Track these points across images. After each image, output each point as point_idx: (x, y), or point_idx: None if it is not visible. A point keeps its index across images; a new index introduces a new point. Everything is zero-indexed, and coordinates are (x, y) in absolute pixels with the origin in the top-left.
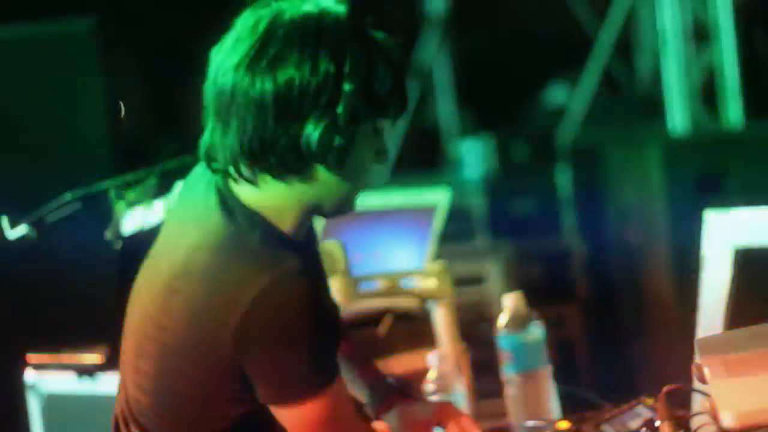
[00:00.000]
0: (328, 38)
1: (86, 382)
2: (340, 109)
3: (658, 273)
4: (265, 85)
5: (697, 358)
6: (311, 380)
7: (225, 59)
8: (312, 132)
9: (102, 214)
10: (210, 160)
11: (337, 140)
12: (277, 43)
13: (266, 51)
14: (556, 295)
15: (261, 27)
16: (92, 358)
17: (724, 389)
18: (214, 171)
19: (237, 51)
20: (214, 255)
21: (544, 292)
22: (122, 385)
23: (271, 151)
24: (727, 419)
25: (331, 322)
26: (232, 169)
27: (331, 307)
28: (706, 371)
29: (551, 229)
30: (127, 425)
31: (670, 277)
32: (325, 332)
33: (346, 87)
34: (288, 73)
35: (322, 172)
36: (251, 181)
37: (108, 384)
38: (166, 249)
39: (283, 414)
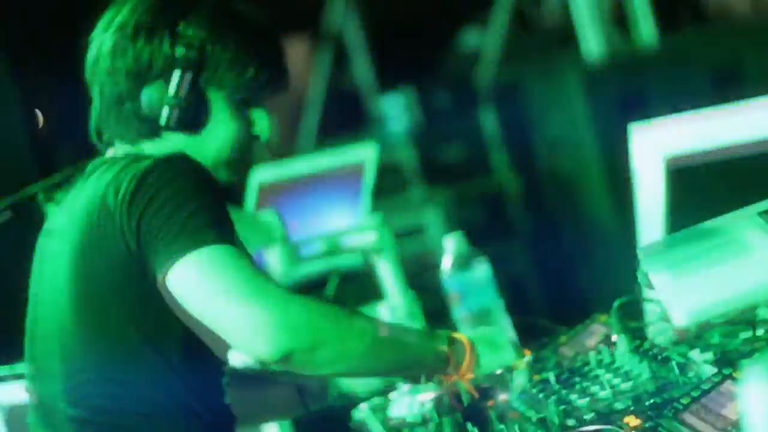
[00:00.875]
0: (170, 8)
1: None
2: (174, 75)
3: (593, 196)
4: (111, 53)
5: (642, 267)
6: (212, 227)
7: (96, 27)
8: (148, 96)
9: (34, 218)
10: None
11: (170, 102)
12: (123, 11)
13: (114, 19)
14: (498, 234)
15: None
16: None
17: (671, 291)
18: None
19: (102, 20)
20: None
21: (485, 234)
22: (38, 388)
23: (119, 115)
24: (679, 319)
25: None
26: (95, 136)
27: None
28: (652, 277)
29: (483, 170)
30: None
31: (606, 197)
32: (216, 196)
33: (178, 52)
34: (127, 41)
35: (175, 138)
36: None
37: None
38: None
39: (186, 276)
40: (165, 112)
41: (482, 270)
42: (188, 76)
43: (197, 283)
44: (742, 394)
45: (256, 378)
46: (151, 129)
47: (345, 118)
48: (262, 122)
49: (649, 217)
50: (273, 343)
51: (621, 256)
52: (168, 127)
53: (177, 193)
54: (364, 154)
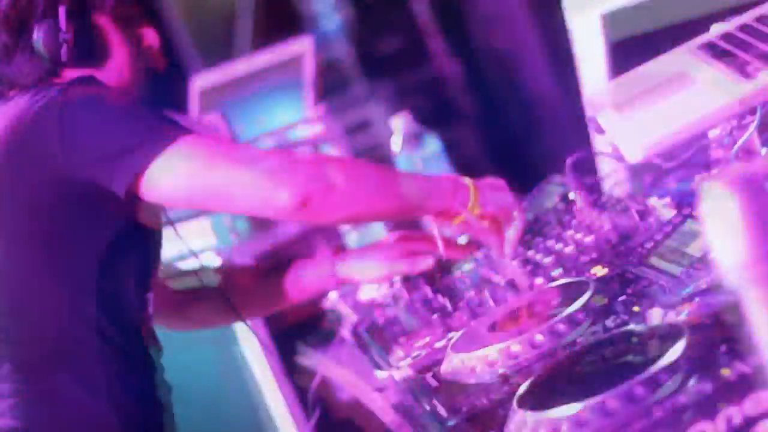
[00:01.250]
0: None
1: None
2: (60, 11)
3: (533, 67)
4: None
5: (590, 113)
6: (168, 125)
7: None
8: (41, 38)
9: None
10: None
11: (66, 39)
12: None
13: None
14: (445, 119)
15: None
16: None
17: (621, 130)
18: None
19: None
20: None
21: (431, 121)
22: None
23: (9, 66)
24: (631, 154)
25: None
26: None
27: None
28: (601, 121)
29: (421, 58)
30: None
31: (547, 64)
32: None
33: None
34: None
35: (74, 74)
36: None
37: None
38: None
39: (171, 170)
40: (64, 49)
41: (432, 145)
42: (75, 6)
43: (190, 169)
44: (703, 212)
45: (187, 294)
46: (49, 71)
47: (278, 22)
48: (149, 35)
49: (593, 76)
50: (292, 190)
51: (568, 120)
52: (70, 64)
53: (112, 107)
54: (300, 47)
